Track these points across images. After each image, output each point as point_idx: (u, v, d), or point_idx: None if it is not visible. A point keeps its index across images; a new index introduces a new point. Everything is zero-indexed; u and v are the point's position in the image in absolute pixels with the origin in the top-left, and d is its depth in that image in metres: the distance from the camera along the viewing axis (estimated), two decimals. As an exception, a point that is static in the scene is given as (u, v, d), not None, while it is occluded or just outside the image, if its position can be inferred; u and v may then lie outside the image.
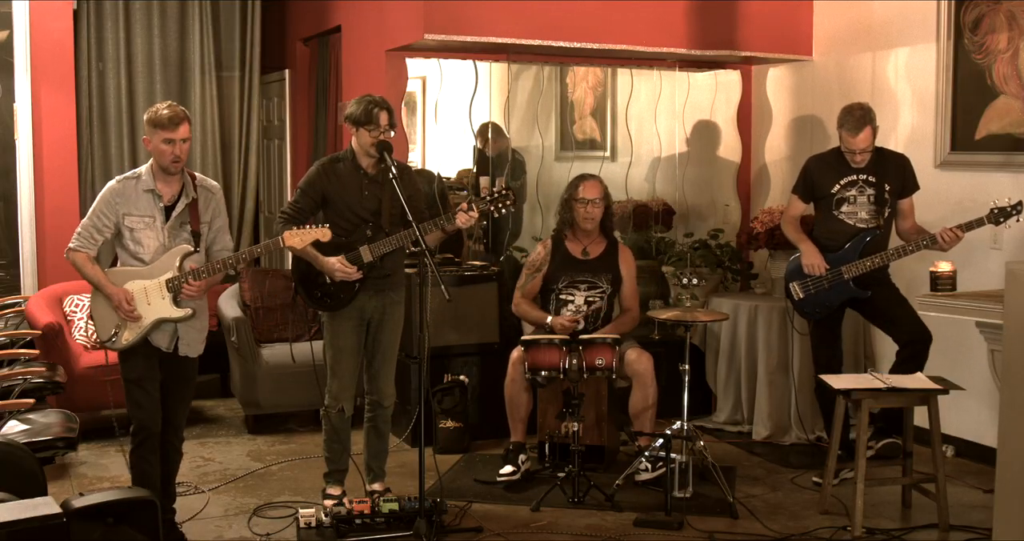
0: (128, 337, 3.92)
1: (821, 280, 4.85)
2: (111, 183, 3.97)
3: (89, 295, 4.06)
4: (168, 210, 3.94)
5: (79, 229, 3.95)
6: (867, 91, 5.67)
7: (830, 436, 4.51)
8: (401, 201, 4.18)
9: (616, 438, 5.24)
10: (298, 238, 4.03)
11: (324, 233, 4.05)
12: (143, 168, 3.97)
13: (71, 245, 3.94)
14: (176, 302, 3.93)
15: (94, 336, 4.06)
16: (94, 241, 3.93)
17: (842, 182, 4.87)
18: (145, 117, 3.93)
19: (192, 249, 3.95)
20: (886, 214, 4.84)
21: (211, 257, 4.03)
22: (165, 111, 3.87)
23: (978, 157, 5.15)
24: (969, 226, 4.56)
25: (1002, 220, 4.51)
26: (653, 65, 6.41)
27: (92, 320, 4.00)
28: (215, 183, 4.11)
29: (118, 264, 4.00)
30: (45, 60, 6.37)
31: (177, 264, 3.92)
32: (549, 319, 5.01)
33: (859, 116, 4.72)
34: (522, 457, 4.89)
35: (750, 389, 5.71)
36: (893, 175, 4.83)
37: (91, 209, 3.95)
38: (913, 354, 4.77)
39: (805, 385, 5.43)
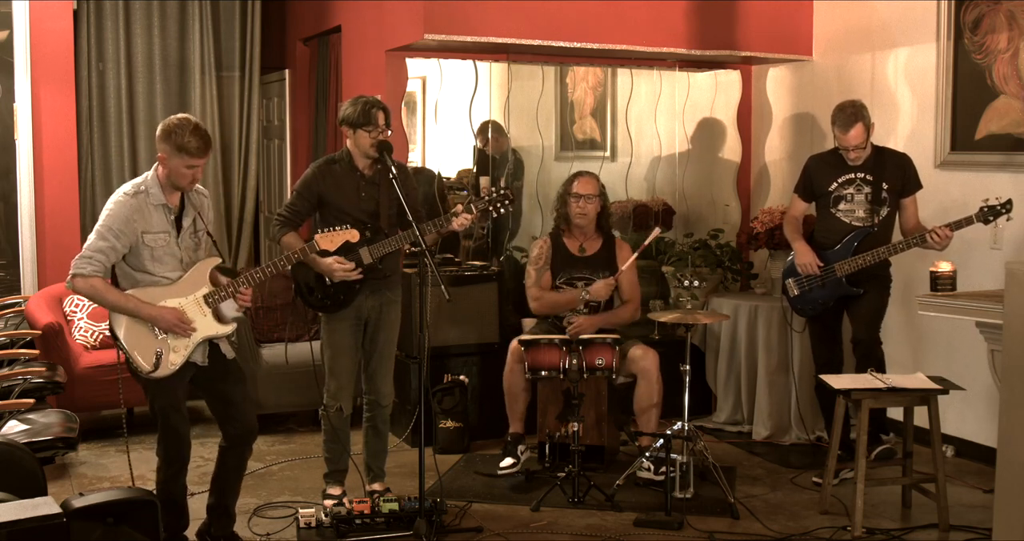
0: (175, 360, 3.70)
1: (815, 278, 4.87)
2: (121, 199, 3.67)
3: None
4: (176, 221, 3.76)
5: (89, 253, 3.61)
6: (867, 91, 5.67)
7: (830, 436, 4.51)
8: (400, 201, 4.18)
9: (616, 438, 5.24)
10: (328, 240, 3.94)
11: (352, 234, 3.97)
12: (148, 180, 3.72)
13: (82, 271, 3.59)
14: (217, 317, 3.79)
15: (122, 360, 3.73)
16: (108, 264, 3.64)
17: (840, 180, 4.88)
18: (163, 132, 3.65)
19: (220, 260, 3.82)
20: (883, 213, 4.84)
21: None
22: (193, 139, 3.62)
23: (978, 157, 5.15)
24: (958, 225, 4.56)
25: (991, 218, 4.51)
26: (653, 65, 6.41)
27: (124, 350, 3.68)
28: (203, 188, 3.96)
29: (120, 285, 3.75)
30: (45, 60, 6.38)
31: (208, 277, 3.77)
32: (584, 293, 4.94)
33: (850, 113, 4.73)
34: (521, 447, 4.89)
35: (750, 389, 5.71)
36: (892, 174, 4.83)
37: (104, 228, 3.63)
38: (863, 354, 4.81)
39: (805, 385, 5.43)
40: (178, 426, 3.80)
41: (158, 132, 3.70)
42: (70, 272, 3.64)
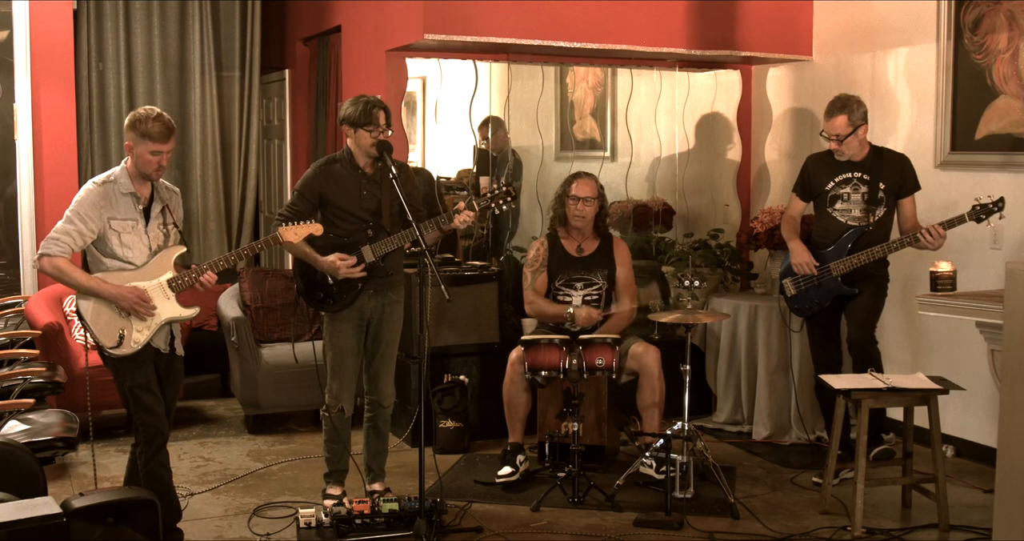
0: (139, 339, 3.82)
1: (811, 277, 4.87)
2: (90, 187, 3.84)
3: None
4: (145, 212, 3.90)
5: (56, 235, 3.77)
6: (867, 91, 5.67)
7: (830, 436, 4.51)
8: (401, 200, 4.18)
9: (616, 438, 5.24)
10: (292, 232, 4.03)
11: (316, 228, 4.08)
12: (117, 170, 3.88)
13: (48, 251, 3.76)
14: (180, 302, 3.91)
15: (91, 343, 3.87)
16: (75, 247, 3.79)
17: (837, 179, 4.89)
18: (129, 122, 3.83)
19: (185, 249, 3.95)
20: (879, 213, 4.83)
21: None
22: (156, 125, 3.79)
23: (978, 157, 5.15)
24: (951, 224, 4.55)
25: (983, 217, 4.50)
26: (653, 65, 6.41)
27: (88, 328, 3.81)
28: (174, 186, 4.10)
29: (90, 270, 3.88)
30: (45, 60, 6.38)
31: (172, 264, 3.90)
32: (571, 309, 4.97)
33: (836, 104, 4.79)
34: (520, 458, 4.88)
35: (750, 389, 5.71)
36: (890, 174, 4.83)
37: (72, 213, 3.80)
38: (858, 354, 4.81)
39: (805, 385, 5.44)
40: (151, 405, 3.87)
41: (125, 123, 3.89)
42: (38, 252, 3.81)
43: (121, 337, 3.80)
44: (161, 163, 3.85)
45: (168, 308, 3.88)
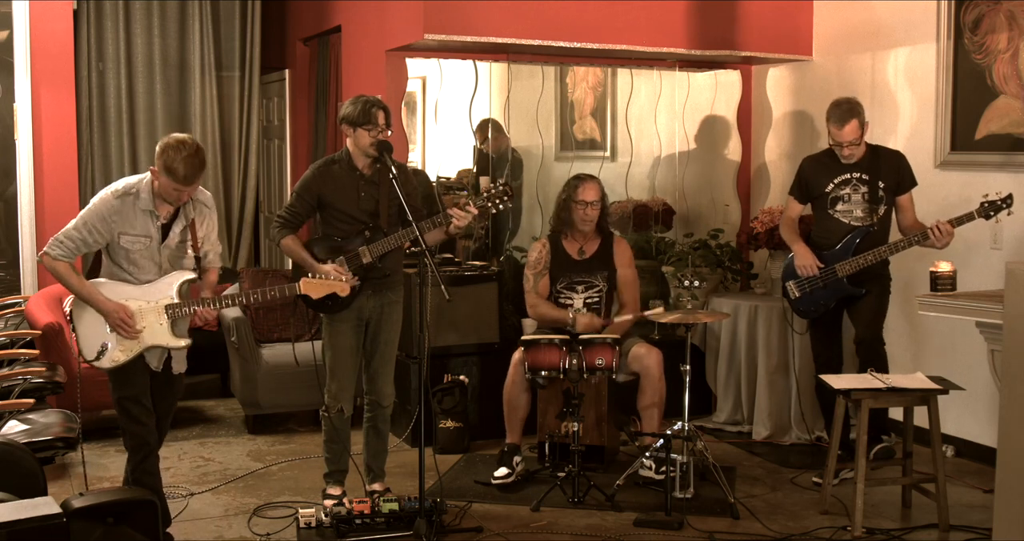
0: (118, 357, 3.77)
1: (816, 279, 4.86)
2: (106, 196, 3.74)
3: None
4: (165, 228, 3.80)
5: (62, 237, 3.73)
6: (867, 91, 5.67)
7: (830, 436, 4.51)
8: (400, 200, 4.17)
9: (616, 438, 5.24)
10: (314, 288, 3.96)
11: (341, 287, 4.00)
12: (142, 184, 3.76)
13: (51, 253, 3.71)
14: (174, 329, 3.82)
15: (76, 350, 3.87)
16: (77, 252, 3.75)
17: (836, 181, 4.88)
18: (160, 148, 3.66)
19: (194, 276, 3.87)
20: (881, 212, 4.83)
21: (203, 265, 3.94)
22: (183, 167, 3.61)
23: (978, 157, 5.15)
24: (960, 221, 4.55)
25: (992, 214, 4.51)
26: (653, 65, 6.41)
27: (75, 334, 3.80)
28: (209, 195, 3.98)
29: (101, 274, 3.84)
30: (45, 60, 6.38)
31: (176, 290, 3.80)
32: (572, 314, 4.96)
33: (845, 109, 4.74)
34: (516, 459, 4.87)
35: (750, 389, 5.70)
36: (887, 172, 4.83)
37: (81, 219, 3.74)
38: (866, 354, 4.80)
39: (805, 385, 5.43)
40: (139, 416, 3.86)
41: (157, 146, 3.73)
42: (44, 249, 3.77)
43: (101, 351, 3.76)
44: (182, 198, 3.74)
45: (157, 334, 3.80)
